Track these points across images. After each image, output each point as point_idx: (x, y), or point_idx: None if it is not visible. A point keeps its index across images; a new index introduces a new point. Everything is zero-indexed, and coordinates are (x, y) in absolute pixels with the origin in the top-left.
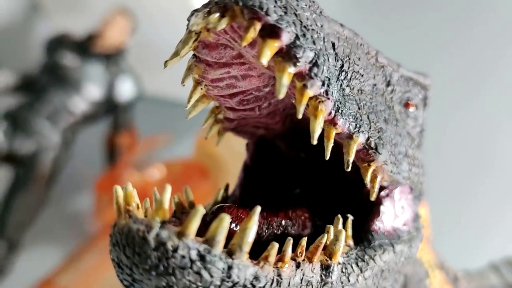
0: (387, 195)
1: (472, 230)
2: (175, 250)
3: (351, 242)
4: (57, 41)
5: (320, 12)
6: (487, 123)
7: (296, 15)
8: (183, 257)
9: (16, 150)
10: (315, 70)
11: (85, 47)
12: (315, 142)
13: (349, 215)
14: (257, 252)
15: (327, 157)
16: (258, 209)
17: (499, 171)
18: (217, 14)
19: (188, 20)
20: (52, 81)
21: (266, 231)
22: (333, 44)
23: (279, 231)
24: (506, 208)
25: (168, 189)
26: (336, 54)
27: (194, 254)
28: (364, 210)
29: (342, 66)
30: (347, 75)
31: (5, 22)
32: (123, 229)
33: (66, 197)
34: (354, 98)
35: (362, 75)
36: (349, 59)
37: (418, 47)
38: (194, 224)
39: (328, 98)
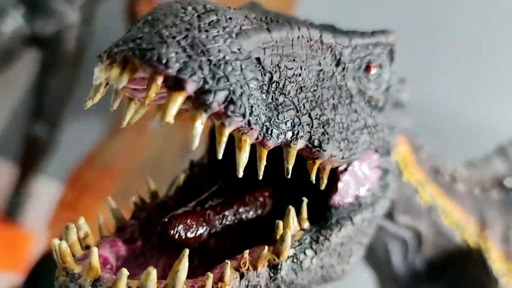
0: (345, 169)
1: None
2: None
3: (306, 225)
4: None
5: (240, 28)
6: None
7: (204, 52)
8: None
9: (39, 32)
10: (231, 107)
11: None
12: (240, 175)
13: (304, 198)
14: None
15: (260, 177)
16: (186, 252)
17: None
18: (118, 69)
19: None
20: None
21: (219, 226)
22: (258, 59)
23: (236, 220)
24: None
25: (95, 251)
26: (262, 68)
27: None
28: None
29: (272, 78)
30: (279, 84)
31: None
32: (61, 286)
33: None
34: (291, 102)
35: (300, 74)
36: (279, 67)
37: None
38: (122, 284)
39: (252, 128)
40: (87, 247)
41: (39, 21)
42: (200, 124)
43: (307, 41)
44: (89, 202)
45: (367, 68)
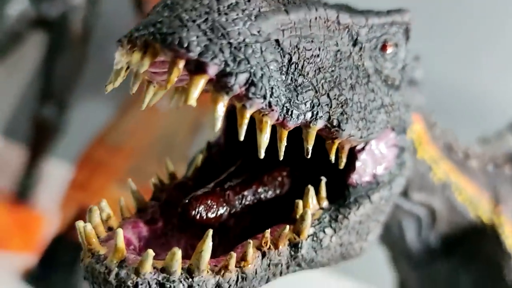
0: (363, 148)
1: None
2: (136, 285)
3: (325, 203)
4: None
5: (259, 10)
6: None
7: (224, 36)
8: None
9: (45, 14)
10: (252, 89)
11: None
12: (262, 156)
13: (322, 177)
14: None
15: (281, 158)
16: (210, 232)
17: None
18: (139, 53)
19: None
20: None
21: (239, 206)
22: (277, 41)
23: (255, 200)
24: None
25: (120, 232)
26: (281, 50)
27: (154, 284)
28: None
29: (291, 59)
30: (298, 65)
31: None
32: (87, 268)
33: (105, 51)
34: (310, 82)
35: (318, 55)
36: (298, 49)
37: None
38: (147, 264)
39: (272, 110)
40: (110, 229)
41: (45, 3)
42: (222, 107)
43: (324, 22)
44: (101, 182)
45: (383, 47)
